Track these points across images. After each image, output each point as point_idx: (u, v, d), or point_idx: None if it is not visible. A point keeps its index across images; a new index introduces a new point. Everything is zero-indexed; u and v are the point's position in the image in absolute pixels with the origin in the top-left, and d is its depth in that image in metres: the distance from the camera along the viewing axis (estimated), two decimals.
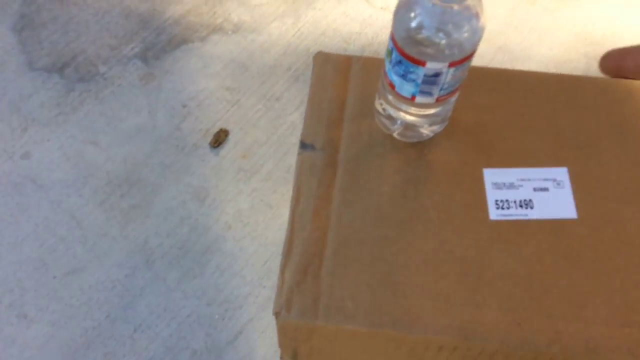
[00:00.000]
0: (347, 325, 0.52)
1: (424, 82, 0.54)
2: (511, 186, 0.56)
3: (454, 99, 0.59)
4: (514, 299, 0.50)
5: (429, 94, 0.55)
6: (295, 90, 1.16)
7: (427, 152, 0.59)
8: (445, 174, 0.57)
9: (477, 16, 0.52)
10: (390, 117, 0.60)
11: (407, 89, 0.55)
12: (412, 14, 0.53)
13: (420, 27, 0.53)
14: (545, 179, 0.56)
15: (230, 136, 1.09)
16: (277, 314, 0.54)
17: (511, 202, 0.54)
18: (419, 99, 0.56)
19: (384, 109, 0.60)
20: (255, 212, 1.01)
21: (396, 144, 0.60)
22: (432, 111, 0.58)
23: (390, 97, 0.58)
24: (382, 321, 0.52)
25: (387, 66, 0.57)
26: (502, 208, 0.54)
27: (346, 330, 0.53)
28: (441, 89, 0.55)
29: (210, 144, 1.08)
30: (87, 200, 1.01)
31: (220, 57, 1.20)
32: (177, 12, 1.27)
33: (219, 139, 1.08)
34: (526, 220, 0.54)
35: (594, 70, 0.37)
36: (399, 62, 0.55)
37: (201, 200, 1.01)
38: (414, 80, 0.54)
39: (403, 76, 0.55)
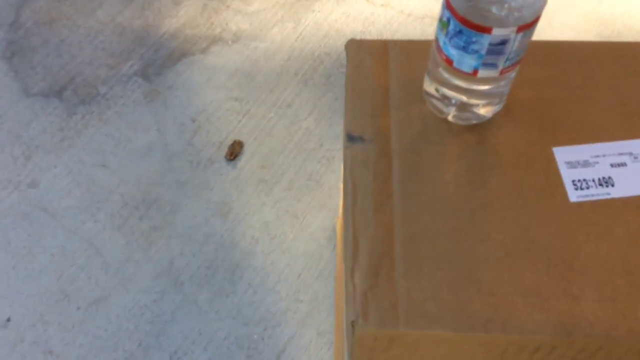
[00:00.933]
0: (433, 331, 0.48)
1: (489, 52, 0.49)
2: (586, 164, 0.52)
3: (514, 73, 0.54)
4: (614, 287, 0.47)
5: (494, 65, 0.51)
6: (306, 94, 1.12)
7: (489, 134, 0.56)
8: (512, 157, 0.54)
9: None
10: (444, 98, 0.55)
11: (468, 62, 0.51)
12: None
13: None
14: (621, 154, 0.53)
15: (245, 147, 1.05)
16: (353, 323, 0.49)
17: (589, 181, 0.51)
18: (482, 72, 0.51)
19: (437, 90, 0.56)
20: (281, 224, 0.96)
21: (453, 128, 0.57)
22: (493, 86, 0.54)
23: (445, 75, 0.54)
24: (472, 323, 0.47)
25: (442, 40, 0.52)
26: (581, 188, 0.51)
27: (430, 336, 0.49)
28: (507, 59, 0.50)
29: (225, 157, 1.04)
30: (104, 226, 0.96)
31: (224, 68, 1.16)
32: (173, 25, 1.23)
33: (234, 151, 1.04)
34: (609, 199, 0.50)
35: None
36: (459, 33, 0.49)
37: (224, 216, 0.97)
38: (476, 52, 0.50)
39: (464, 48, 0.50)
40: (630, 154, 0.54)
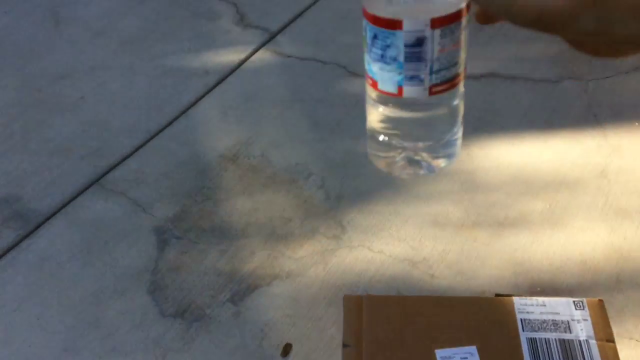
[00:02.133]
0: None
1: (408, 58, 0.45)
2: None
3: (454, 100, 0.49)
4: None
5: (418, 79, 0.46)
6: (331, 311, 1.83)
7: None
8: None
9: None
10: (385, 145, 0.52)
11: (390, 77, 0.46)
12: None
13: None
14: None
15: (294, 346, 1.74)
16: None
17: None
18: (407, 89, 0.46)
19: (377, 136, 0.53)
20: None
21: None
22: (426, 113, 0.49)
23: (373, 104, 0.50)
24: None
25: (366, 61, 0.49)
26: None
27: None
28: (432, 72, 0.45)
29: (280, 354, 1.73)
30: None
31: (280, 295, 1.90)
32: (250, 268, 2.00)
33: (287, 350, 1.73)
34: None
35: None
36: (374, 39, 0.45)
37: None
38: (395, 60, 0.45)
39: (382, 57, 0.46)
40: None
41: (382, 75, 0.47)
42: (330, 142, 2.43)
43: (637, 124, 2.30)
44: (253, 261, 2.01)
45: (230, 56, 2.87)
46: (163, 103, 2.68)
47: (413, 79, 0.46)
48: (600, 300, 1.31)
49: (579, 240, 1.96)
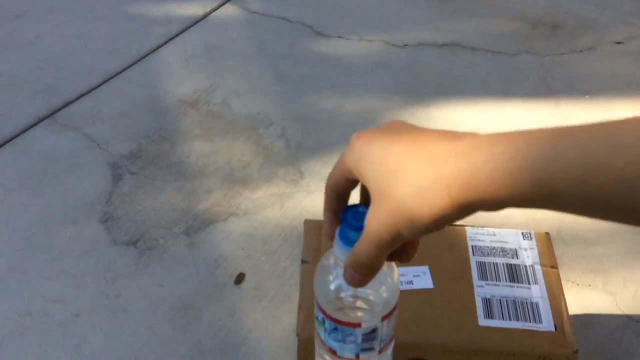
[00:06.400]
0: None
1: (364, 340, 0.59)
2: None
3: (390, 348, 0.65)
4: None
5: (372, 349, 0.61)
6: (286, 245, 1.83)
7: None
8: None
9: (390, 273, 0.58)
10: None
11: (349, 350, 0.60)
12: (330, 281, 0.58)
13: (340, 291, 0.58)
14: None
15: (246, 277, 1.74)
16: (297, 335, 1.11)
17: None
18: (362, 356, 0.61)
19: None
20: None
21: None
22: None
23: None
24: None
25: (323, 335, 0.61)
26: None
27: None
28: (381, 341, 0.61)
29: (234, 282, 1.72)
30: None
31: (236, 231, 1.89)
32: (206, 205, 1.98)
33: (240, 279, 1.72)
34: None
35: None
36: (335, 330, 0.59)
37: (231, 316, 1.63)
38: (353, 342, 0.59)
39: (342, 340, 0.59)
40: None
41: (341, 349, 0.61)
42: (293, 96, 2.44)
43: (587, 96, 2.40)
44: (209, 199, 2.00)
45: (194, 8, 2.85)
46: (122, 48, 2.63)
47: (368, 349, 0.62)
48: (547, 233, 1.37)
49: None
